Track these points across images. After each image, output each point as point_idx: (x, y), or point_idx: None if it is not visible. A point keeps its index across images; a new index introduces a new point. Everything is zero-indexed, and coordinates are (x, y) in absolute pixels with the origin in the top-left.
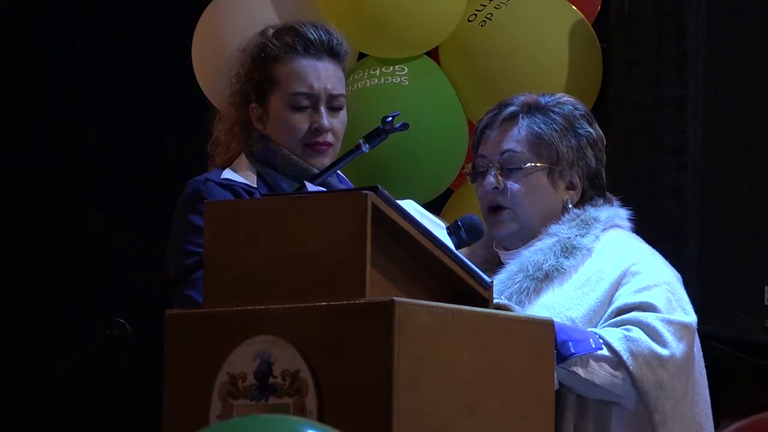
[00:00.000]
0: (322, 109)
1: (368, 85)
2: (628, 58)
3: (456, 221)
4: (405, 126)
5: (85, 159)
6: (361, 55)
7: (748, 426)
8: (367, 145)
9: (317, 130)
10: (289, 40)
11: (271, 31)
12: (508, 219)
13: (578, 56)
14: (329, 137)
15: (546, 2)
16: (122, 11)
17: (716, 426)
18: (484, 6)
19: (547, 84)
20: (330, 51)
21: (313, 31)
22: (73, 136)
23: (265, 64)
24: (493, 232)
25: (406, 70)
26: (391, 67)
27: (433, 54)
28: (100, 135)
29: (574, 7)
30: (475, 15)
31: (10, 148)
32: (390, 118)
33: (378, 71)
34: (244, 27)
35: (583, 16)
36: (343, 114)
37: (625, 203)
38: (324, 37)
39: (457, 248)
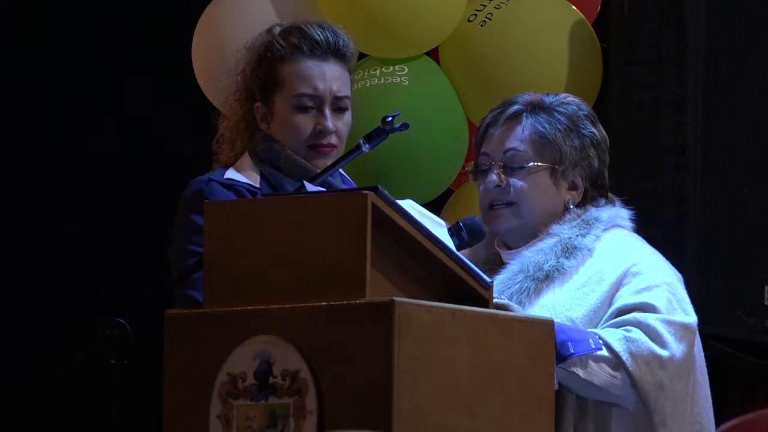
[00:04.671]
0: (327, 111)
1: (368, 85)
2: (628, 58)
3: (458, 222)
4: (405, 126)
5: (85, 158)
6: (361, 55)
7: (742, 424)
8: (367, 145)
9: (321, 132)
10: (295, 41)
11: (277, 30)
12: (508, 214)
13: (578, 56)
14: (333, 139)
15: (546, 2)
16: (122, 11)
17: (717, 426)
18: (484, 6)
19: (548, 84)
20: (336, 52)
21: (319, 32)
22: (74, 136)
23: (270, 63)
24: (494, 226)
25: (406, 70)
26: (391, 67)
27: (433, 54)
28: (100, 134)
29: (574, 7)
30: (475, 15)
31: (11, 147)
32: (390, 118)
33: (378, 71)
34: (244, 27)
35: (583, 16)
36: (347, 115)
37: (624, 203)
38: (330, 38)
39: (458, 249)
